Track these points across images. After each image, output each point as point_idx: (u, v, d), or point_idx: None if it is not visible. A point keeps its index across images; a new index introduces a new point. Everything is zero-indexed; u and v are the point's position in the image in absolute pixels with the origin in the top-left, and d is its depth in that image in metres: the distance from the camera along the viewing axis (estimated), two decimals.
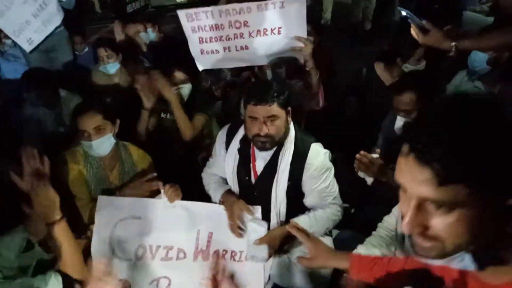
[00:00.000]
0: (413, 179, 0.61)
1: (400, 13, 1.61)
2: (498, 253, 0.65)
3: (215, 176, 1.92)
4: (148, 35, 3.51)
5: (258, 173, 1.76)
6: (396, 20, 4.92)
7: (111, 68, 2.90)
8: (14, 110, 2.68)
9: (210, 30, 2.04)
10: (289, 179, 1.70)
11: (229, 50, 2.09)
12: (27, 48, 3.00)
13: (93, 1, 6.30)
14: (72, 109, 1.99)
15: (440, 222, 0.61)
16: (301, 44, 1.97)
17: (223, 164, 1.85)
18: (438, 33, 1.42)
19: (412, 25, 1.49)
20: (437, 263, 0.68)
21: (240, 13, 1.96)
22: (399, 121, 1.92)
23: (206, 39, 2.09)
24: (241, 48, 2.07)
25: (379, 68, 2.68)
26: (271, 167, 1.73)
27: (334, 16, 5.55)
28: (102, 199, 1.73)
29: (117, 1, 5.69)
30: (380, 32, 4.58)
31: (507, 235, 0.62)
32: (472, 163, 0.55)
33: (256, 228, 1.69)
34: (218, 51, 2.11)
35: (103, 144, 1.86)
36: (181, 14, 2.06)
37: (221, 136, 1.88)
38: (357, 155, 1.69)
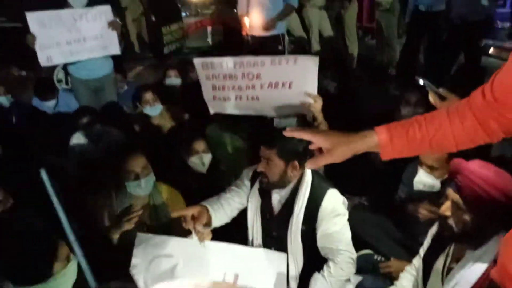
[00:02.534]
0: None
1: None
2: None
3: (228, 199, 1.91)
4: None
5: (275, 211, 1.82)
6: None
7: (154, 110, 3.07)
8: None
9: (224, 79, 2.12)
10: (304, 223, 1.73)
11: (240, 99, 2.15)
12: (42, 61, 3.12)
13: (133, 42, 6.76)
14: (115, 150, 2.19)
15: None
16: (311, 101, 2.01)
17: (244, 197, 1.90)
18: (455, 99, 1.51)
19: (429, 92, 1.59)
20: None
21: (254, 65, 2.03)
22: (421, 175, 1.94)
23: (219, 87, 2.16)
24: (252, 98, 2.12)
25: None
26: (288, 209, 1.77)
27: (360, 59, 5.74)
28: (140, 236, 1.77)
29: (155, 43, 6.15)
30: (404, 79, 4.71)
31: None
32: None
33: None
34: (230, 99, 2.17)
35: (149, 183, 2.00)
36: (197, 62, 2.15)
37: (248, 172, 1.95)
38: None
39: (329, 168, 2.46)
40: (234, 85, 2.11)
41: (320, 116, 2.05)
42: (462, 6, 4.11)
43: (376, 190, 1.95)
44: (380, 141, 0.93)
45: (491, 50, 5.11)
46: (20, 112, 3.55)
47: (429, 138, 0.89)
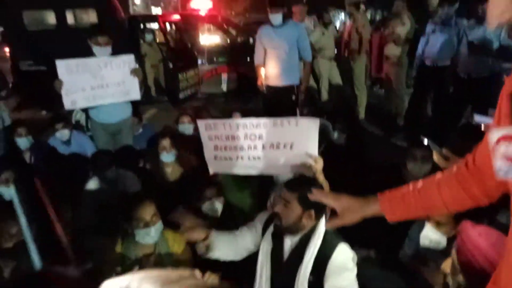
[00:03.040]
0: None
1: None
2: None
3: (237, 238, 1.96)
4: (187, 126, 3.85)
5: (285, 256, 1.83)
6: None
7: (169, 158, 3.12)
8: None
9: (226, 139, 2.15)
10: (312, 273, 1.74)
11: (242, 159, 2.17)
12: (66, 105, 3.31)
13: (150, 86, 7.06)
14: (126, 197, 2.27)
15: None
16: (312, 162, 2.04)
17: (254, 238, 1.94)
18: (457, 159, 1.58)
19: (434, 152, 1.67)
20: None
21: (256, 127, 2.08)
22: (427, 230, 1.96)
23: (221, 147, 2.19)
24: (254, 158, 2.15)
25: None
26: (297, 256, 1.78)
27: (369, 108, 5.89)
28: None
29: (171, 88, 6.42)
30: (412, 131, 4.81)
31: None
32: None
33: None
34: (231, 159, 2.19)
35: (158, 231, 2.05)
36: (200, 124, 2.18)
37: (263, 216, 2.00)
38: None
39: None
40: (236, 146, 2.15)
41: (321, 177, 2.06)
42: (467, 63, 4.28)
43: (384, 244, 1.97)
44: (382, 209, 1.09)
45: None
46: (38, 153, 3.69)
47: (422, 206, 1.04)
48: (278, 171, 2.25)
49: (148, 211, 2.03)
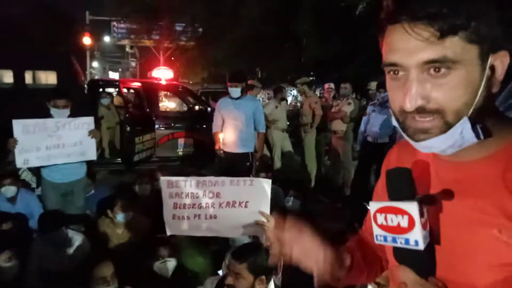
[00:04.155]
0: (410, 47, 0.65)
1: None
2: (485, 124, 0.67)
3: None
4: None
5: None
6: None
7: (121, 218, 3.11)
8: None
9: (186, 197, 2.26)
10: None
11: (199, 218, 2.28)
12: (18, 163, 3.28)
13: (104, 147, 7.00)
14: (85, 256, 2.24)
15: (440, 88, 0.65)
16: (265, 220, 2.18)
17: None
18: None
19: None
20: (439, 144, 0.68)
21: (215, 185, 2.25)
22: None
23: (180, 205, 2.28)
24: (210, 217, 2.27)
25: None
26: None
27: (318, 178, 6.23)
28: None
29: (126, 150, 6.42)
30: (359, 198, 5.12)
31: (493, 105, 0.68)
32: (467, 10, 0.62)
33: None
34: (189, 218, 2.29)
35: None
36: (163, 180, 2.30)
37: (213, 281, 2.06)
38: None
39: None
40: (195, 204, 2.26)
41: (272, 236, 2.20)
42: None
43: None
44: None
45: None
46: None
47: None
48: (233, 233, 2.36)
49: (108, 270, 2.04)
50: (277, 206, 3.09)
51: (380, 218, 0.71)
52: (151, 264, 2.48)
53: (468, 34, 0.63)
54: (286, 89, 10.07)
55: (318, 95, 8.86)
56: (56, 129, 3.39)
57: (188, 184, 2.26)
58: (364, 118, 5.29)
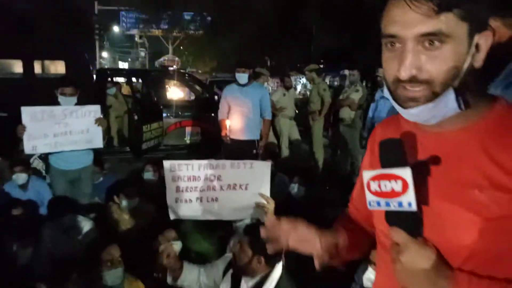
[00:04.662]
0: (409, 20, 0.70)
1: None
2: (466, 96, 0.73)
3: None
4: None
5: None
6: None
7: (126, 204, 3.10)
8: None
9: (188, 180, 2.30)
10: None
11: (201, 201, 2.32)
12: (26, 150, 3.31)
13: (112, 136, 7.07)
14: (93, 241, 2.28)
15: (433, 60, 0.70)
16: (265, 202, 2.24)
17: (216, 275, 2.09)
18: None
19: None
20: (426, 113, 0.73)
21: (216, 168, 2.28)
22: (369, 273, 2.10)
23: (183, 188, 2.32)
24: (212, 199, 2.31)
25: None
26: None
27: (326, 166, 6.19)
28: None
29: (134, 139, 6.48)
30: None
31: (474, 80, 0.73)
32: None
33: None
34: (191, 201, 2.32)
35: (122, 274, 2.11)
36: (166, 164, 2.33)
37: (226, 258, 2.14)
38: None
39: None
40: (197, 186, 2.30)
41: (272, 218, 2.20)
42: None
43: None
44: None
45: None
46: None
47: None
48: (233, 215, 2.38)
49: (115, 252, 2.08)
50: (281, 193, 3.10)
51: (374, 185, 0.77)
52: (157, 247, 2.51)
53: (461, 12, 0.69)
54: (295, 77, 10.01)
55: (328, 83, 8.80)
56: (64, 116, 3.42)
57: (190, 167, 2.29)
58: (372, 105, 5.23)
